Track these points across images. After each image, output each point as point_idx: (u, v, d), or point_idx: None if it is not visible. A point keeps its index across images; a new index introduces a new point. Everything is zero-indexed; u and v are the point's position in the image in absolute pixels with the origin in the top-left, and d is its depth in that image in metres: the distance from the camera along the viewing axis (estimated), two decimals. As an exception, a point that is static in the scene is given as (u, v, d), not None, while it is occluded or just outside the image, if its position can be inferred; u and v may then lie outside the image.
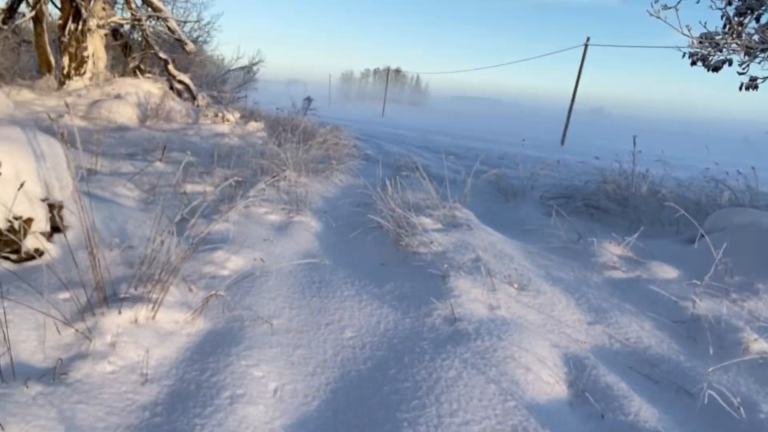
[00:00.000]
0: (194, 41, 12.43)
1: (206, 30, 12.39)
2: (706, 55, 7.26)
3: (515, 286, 3.09)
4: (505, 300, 2.90)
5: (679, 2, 4.84)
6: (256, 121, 9.94)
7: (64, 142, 2.45)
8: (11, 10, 9.51)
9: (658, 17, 4.48)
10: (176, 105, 9.76)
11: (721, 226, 4.12)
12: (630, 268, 3.62)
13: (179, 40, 9.65)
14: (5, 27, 9.16)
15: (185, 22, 10.72)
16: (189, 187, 4.37)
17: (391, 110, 73.06)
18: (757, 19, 6.39)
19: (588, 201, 5.89)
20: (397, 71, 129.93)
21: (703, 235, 4.23)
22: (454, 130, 29.65)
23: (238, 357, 2.11)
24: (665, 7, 4.65)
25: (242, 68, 12.78)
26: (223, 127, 9.20)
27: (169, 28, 9.60)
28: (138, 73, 10.00)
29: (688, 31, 4.56)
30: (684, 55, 7.24)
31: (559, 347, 2.55)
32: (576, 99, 27.65)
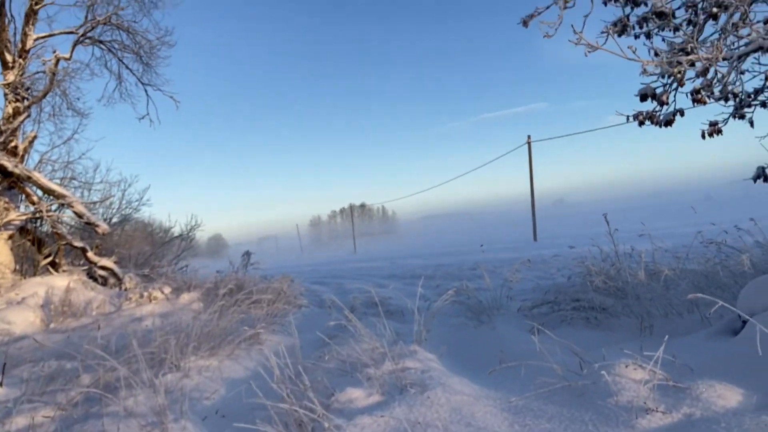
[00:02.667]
0: (122, 220, 11.60)
1: (133, 207, 11.63)
2: (652, 112, 6.59)
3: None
4: None
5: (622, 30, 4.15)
6: (189, 291, 8.74)
7: None
8: None
9: (591, 47, 3.68)
10: (96, 295, 8.55)
11: (764, 304, 2.94)
12: (671, 403, 2.35)
13: (89, 224, 8.75)
14: None
15: (94, 203, 9.91)
16: (20, 421, 3.02)
17: (365, 243, 73.36)
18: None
19: (578, 302, 4.70)
20: (362, 206, 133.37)
21: (745, 322, 3.03)
22: (425, 251, 28.94)
23: None
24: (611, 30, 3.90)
25: (177, 237, 11.84)
26: (148, 308, 7.94)
27: (76, 213, 8.71)
28: (51, 268, 8.90)
29: (634, 52, 3.75)
30: (628, 119, 6.58)
31: None
32: (537, 195, 27.66)
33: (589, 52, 3.68)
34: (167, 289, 8.87)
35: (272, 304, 6.99)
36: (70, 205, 8.59)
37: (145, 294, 8.50)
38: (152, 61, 11.23)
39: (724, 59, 3.49)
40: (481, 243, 29.19)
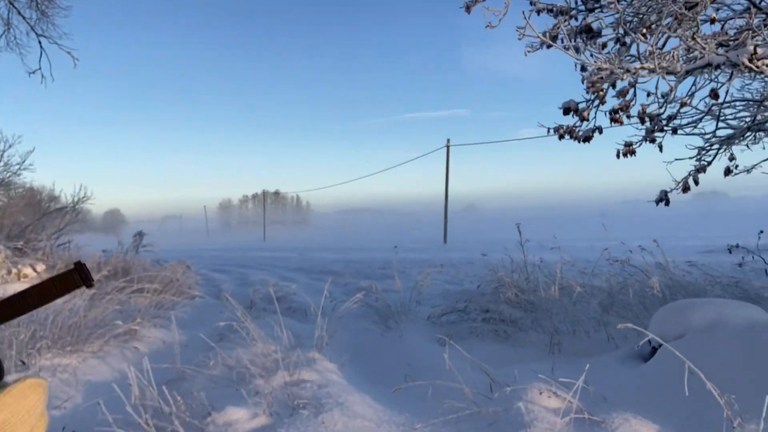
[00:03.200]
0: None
1: (12, 171, 10.24)
2: (573, 126, 6.64)
3: None
4: None
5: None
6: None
7: None
8: None
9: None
10: (-50, 267, 7.37)
11: (676, 331, 2.87)
12: (584, 435, 2.17)
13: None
14: None
15: None
16: None
17: (275, 232, 71.58)
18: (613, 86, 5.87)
19: (488, 313, 4.55)
20: (276, 193, 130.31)
21: (655, 348, 2.95)
22: (337, 245, 28.60)
23: None
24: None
25: (60, 208, 10.59)
26: (14, 287, 6.94)
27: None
28: None
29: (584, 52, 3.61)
30: (549, 131, 6.58)
31: None
32: (450, 198, 28.18)
33: (528, 51, 3.48)
34: (40, 267, 7.85)
35: (160, 293, 6.32)
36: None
37: (14, 271, 7.45)
38: (49, 10, 9.95)
39: (669, 73, 3.42)
40: (394, 243, 29.35)
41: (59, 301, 5.94)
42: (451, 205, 27.96)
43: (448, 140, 27.47)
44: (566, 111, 6.40)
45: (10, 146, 10.37)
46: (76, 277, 0.71)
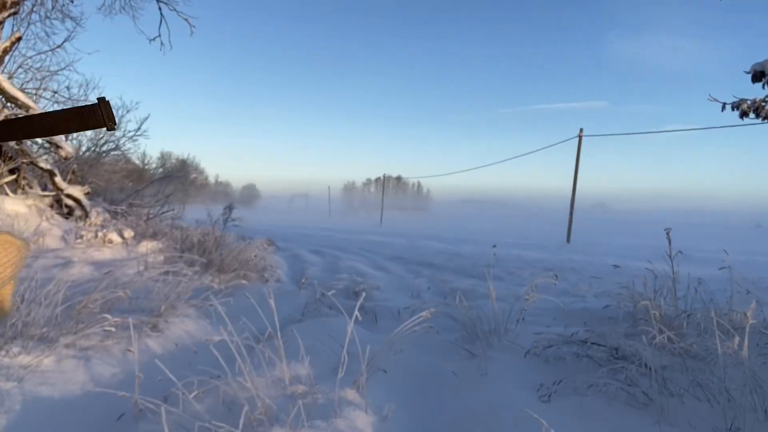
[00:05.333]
0: (111, 149, 10.41)
1: (128, 137, 10.42)
2: (763, 101, 4.84)
3: None
4: None
5: None
6: (153, 240, 7.49)
7: None
8: None
9: None
10: (49, 227, 7.39)
11: None
12: None
13: (50, 143, 7.56)
14: None
15: None
16: None
17: (393, 217, 71.98)
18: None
19: (618, 355, 3.15)
20: (398, 179, 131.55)
21: None
22: (449, 234, 27.33)
23: None
24: None
25: (165, 177, 10.61)
26: (95, 253, 6.74)
27: (38, 129, 7.51)
28: (8, 189, 7.78)
29: None
30: (724, 107, 4.85)
31: None
32: (578, 195, 25.55)
33: None
34: (128, 233, 7.64)
35: (224, 272, 5.66)
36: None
37: (100, 234, 7.29)
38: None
39: None
40: (511, 237, 27.36)
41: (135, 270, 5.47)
42: (578, 201, 25.34)
43: (581, 130, 24.84)
44: (758, 76, 4.64)
45: (128, 111, 10.57)
46: (99, 114, 0.69)
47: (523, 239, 25.50)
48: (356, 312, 2.92)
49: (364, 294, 6.04)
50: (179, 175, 10.52)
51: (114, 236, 7.29)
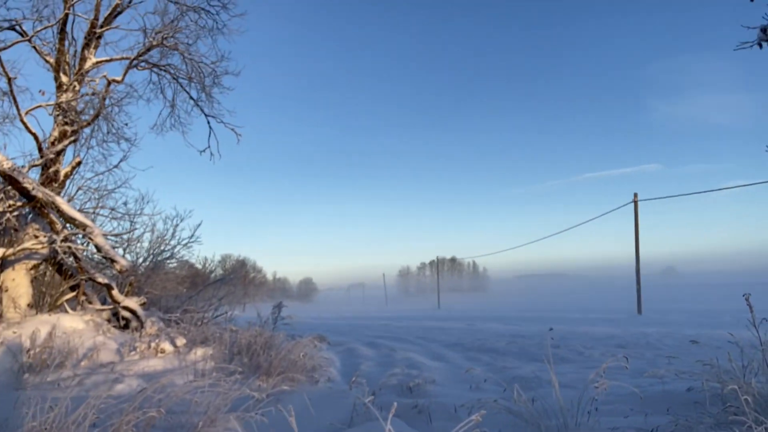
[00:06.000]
0: (165, 258, 10.78)
1: (183, 244, 10.81)
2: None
3: None
4: None
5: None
6: (204, 345, 7.44)
7: None
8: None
9: None
10: (104, 341, 7.50)
11: None
12: None
13: (106, 258, 7.86)
14: None
15: (117, 236, 9.06)
16: None
17: (450, 299, 70.50)
18: None
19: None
20: (452, 260, 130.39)
21: None
22: (511, 314, 26.24)
23: None
24: None
25: (218, 280, 10.77)
26: (150, 363, 6.73)
27: (96, 246, 7.84)
28: (67, 305, 8.06)
29: None
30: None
31: None
32: (645, 261, 24.29)
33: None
34: (180, 341, 7.65)
35: (271, 376, 5.46)
36: (90, 236, 7.75)
37: (153, 345, 7.32)
38: (213, 90, 10.60)
39: None
40: (578, 311, 25.95)
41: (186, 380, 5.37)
42: (645, 268, 24.03)
43: (636, 194, 24.06)
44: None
45: (181, 220, 11.02)
46: None
47: (588, 313, 24.14)
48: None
49: (417, 389, 5.67)
50: (232, 277, 10.66)
51: (166, 345, 7.30)
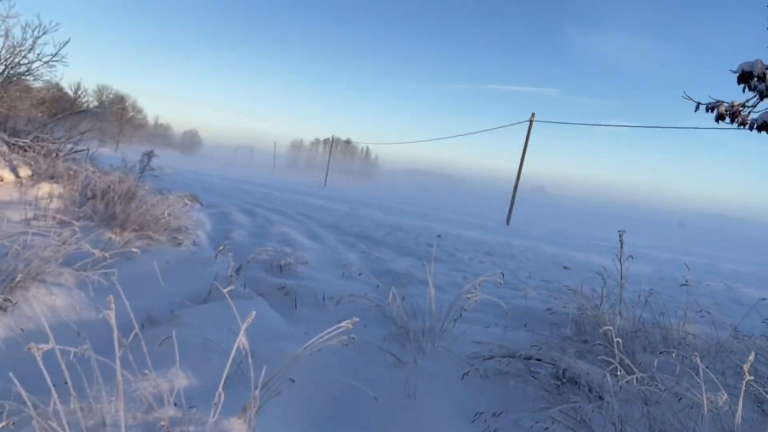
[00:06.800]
0: (20, 73, 9.06)
1: (43, 61, 9.09)
2: (741, 105, 4.52)
3: None
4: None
5: None
6: (53, 182, 6.49)
7: None
8: None
9: None
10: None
11: None
12: None
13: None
14: None
15: None
16: None
17: (338, 180, 70.86)
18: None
19: (564, 373, 2.73)
20: (347, 142, 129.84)
21: None
22: (392, 204, 26.93)
23: None
24: None
25: (83, 111, 9.38)
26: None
27: None
28: None
29: None
30: (698, 107, 4.51)
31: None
32: (521, 178, 25.66)
33: None
34: (25, 171, 6.61)
35: (129, 231, 4.87)
36: None
37: (-12, 170, 6.23)
38: None
39: None
40: (453, 213, 27.31)
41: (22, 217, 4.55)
42: (520, 185, 25.46)
43: (533, 114, 24.78)
44: (744, 78, 4.28)
45: (44, 32, 9.18)
46: None
47: (463, 215, 25.47)
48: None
49: (288, 269, 5.43)
50: (102, 110, 9.32)
51: (5, 173, 6.26)
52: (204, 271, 4.47)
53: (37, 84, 9.83)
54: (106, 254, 3.28)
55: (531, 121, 25.14)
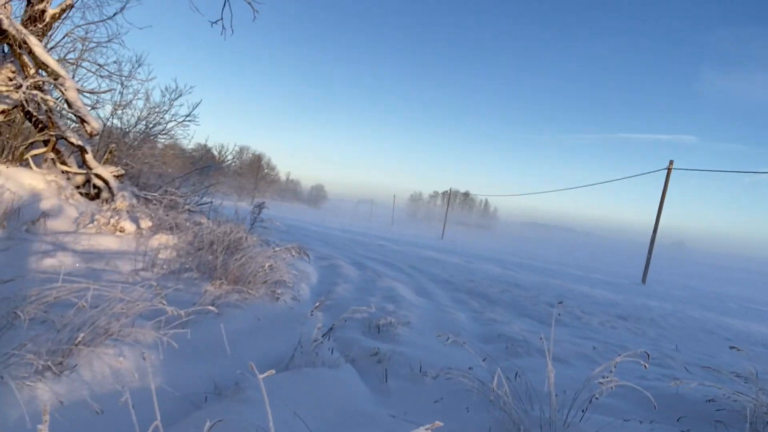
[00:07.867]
0: (158, 132, 9.89)
1: (177, 121, 9.87)
2: None
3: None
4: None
5: None
6: (170, 233, 6.71)
7: None
8: None
9: None
10: (64, 207, 6.79)
11: None
12: None
13: (77, 116, 6.97)
14: None
15: (94, 93, 8.05)
16: None
17: (456, 233, 70.08)
18: None
19: None
20: (465, 194, 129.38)
21: None
22: (512, 258, 25.59)
23: None
24: None
25: (205, 167, 9.91)
26: (101, 241, 6.03)
27: (67, 101, 6.91)
28: (31, 161, 7.28)
29: None
30: None
31: None
32: (658, 232, 23.14)
33: None
34: (146, 223, 6.92)
35: (222, 284, 4.71)
36: (62, 88, 6.79)
37: (113, 221, 6.60)
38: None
39: None
40: (579, 269, 25.21)
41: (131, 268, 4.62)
42: (657, 239, 22.93)
43: (671, 162, 22.51)
44: None
45: (179, 95, 10.01)
46: None
47: (590, 272, 23.39)
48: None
49: (385, 330, 4.92)
50: (220, 166, 9.81)
51: (127, 224, 6.58)
52: (294, 330, 4.12)
53: (166, 139, 10.67)
54: (181, 312, 3.01)
55: (669, 169, 22.85)
